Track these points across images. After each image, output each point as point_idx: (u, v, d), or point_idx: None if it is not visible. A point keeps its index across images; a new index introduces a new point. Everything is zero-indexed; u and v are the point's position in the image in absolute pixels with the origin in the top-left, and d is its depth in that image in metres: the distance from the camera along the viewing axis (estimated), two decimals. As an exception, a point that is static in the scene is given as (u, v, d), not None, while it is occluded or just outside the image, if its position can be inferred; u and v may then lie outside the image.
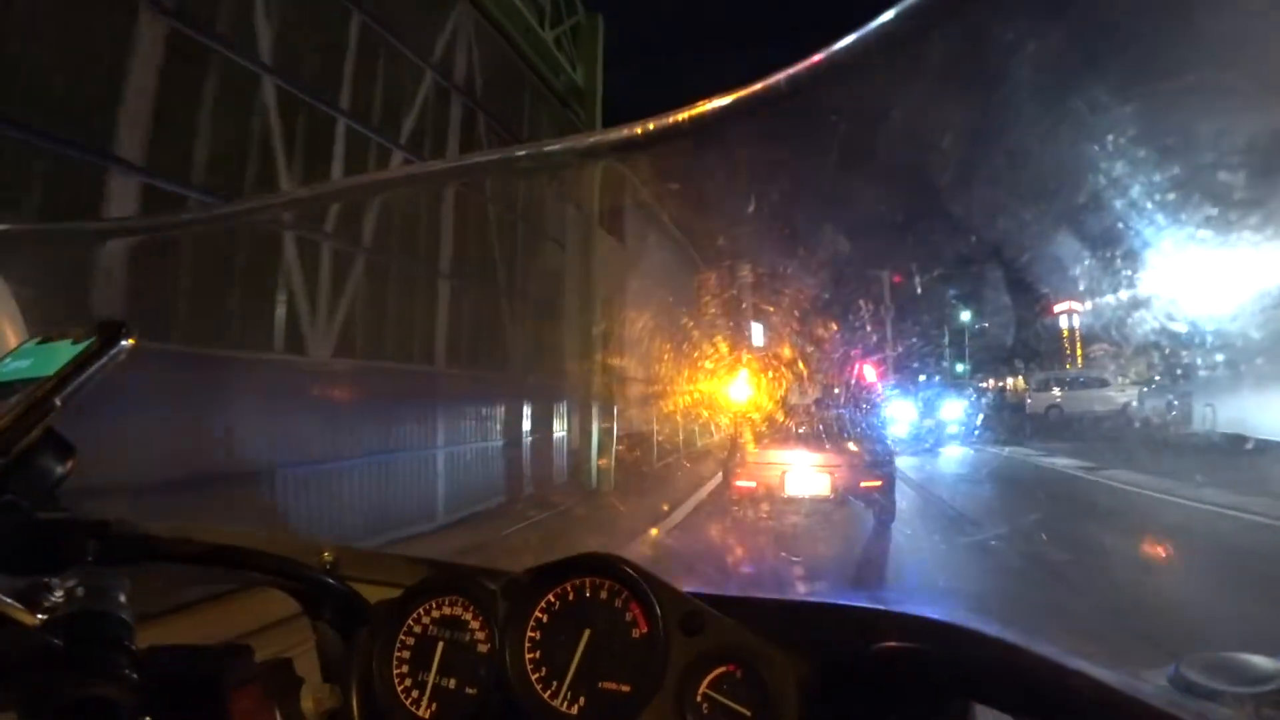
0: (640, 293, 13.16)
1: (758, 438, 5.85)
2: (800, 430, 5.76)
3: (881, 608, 0.73)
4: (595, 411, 10.24)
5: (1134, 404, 12.91)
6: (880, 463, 5.34)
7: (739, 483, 5.63)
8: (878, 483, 5.16)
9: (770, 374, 6.69)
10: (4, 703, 0.48)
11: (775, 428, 5.93)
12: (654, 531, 6.09)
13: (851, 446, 5.47)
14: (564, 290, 10.35)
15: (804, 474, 5.25)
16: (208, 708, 0.67)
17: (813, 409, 6.13)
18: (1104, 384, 14.56)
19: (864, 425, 5.88)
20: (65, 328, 0.52)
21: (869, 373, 6.71)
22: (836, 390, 6.31)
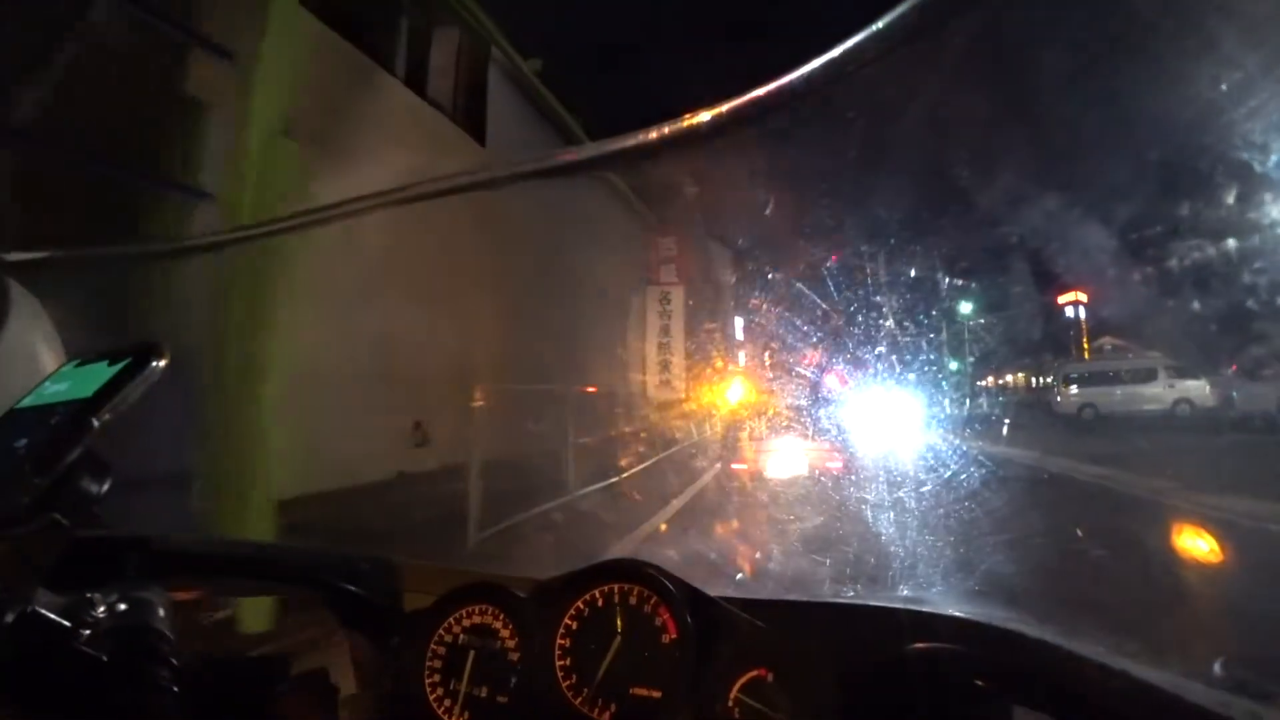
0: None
1: (749, 433, 7.91)
2: (780, 425, 7.55)
3: (917, 609, 0.72)
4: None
5: (1188, 401, 10.60)
6: (840, 450, 6.77)
7: (734, 466, 7.70)
8: (839, 464, 6.67)
9: (755, 384, 9.08)
10: (51, 717, 0.49)
11: (762, 425, 7.81)
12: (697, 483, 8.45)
13: (819, 439, 7.04)
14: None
15: (783, 459, 7.07)
16: (247, 718, 0.68)
17: (789, 411, 7.76)
18: (1149, 377, 12.24)
19: (830, 423, 7.37)
20: (101, 349, 0.53)
21: (833, 381, 8.44)
22: (807, 398, 7.98)
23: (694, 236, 18.46)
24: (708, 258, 22.14)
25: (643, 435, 11.88)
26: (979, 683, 0.67)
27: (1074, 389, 14.29)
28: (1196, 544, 4.35)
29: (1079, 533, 4.77)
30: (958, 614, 0.70)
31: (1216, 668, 0.55)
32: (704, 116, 0.42)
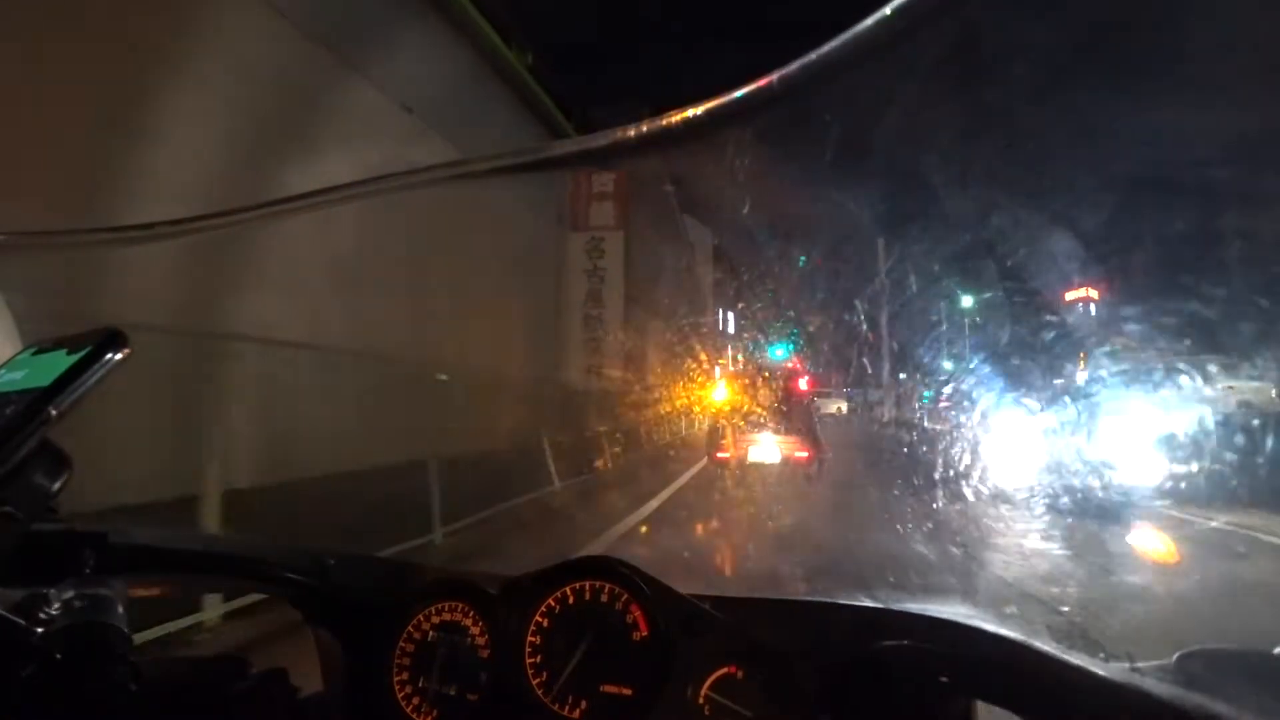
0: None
1: (732, 426, 8.83)
2: (759, 421, 8.69)
3: (882, 606, 0.73)
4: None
5: (1248, 404, 7.62)
6: (811, 445, 8.20)
7: (719, 454, 8.76)
8: (806, 454, 8.02)
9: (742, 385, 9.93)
10: (4, 714, 0.48)
11: (743, 420, 8.83)
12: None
13: (790, 433, 8.38)
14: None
15: (761, 449, 8.28)
16: (206, 718, 0.67)
17: (767, 410, 8.93)
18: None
19: (800, 421, 8.71)
20: (60, 337, 0.52)
21: (802, 384, 10.19)
22: (781, 400, 9.14)
23: (648, 183, 14.29)
24: (668, 211, 17.61)
25: (537, 457, 7.69)
26: (943, 679, 0.68)
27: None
28: None
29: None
30: (923, 612, 0.71)
31: (1173, 661, 0.57)
32: (679, 116, 0.42)
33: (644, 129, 0.44)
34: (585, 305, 12.54)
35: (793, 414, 8.73)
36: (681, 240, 20.65)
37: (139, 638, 0.58)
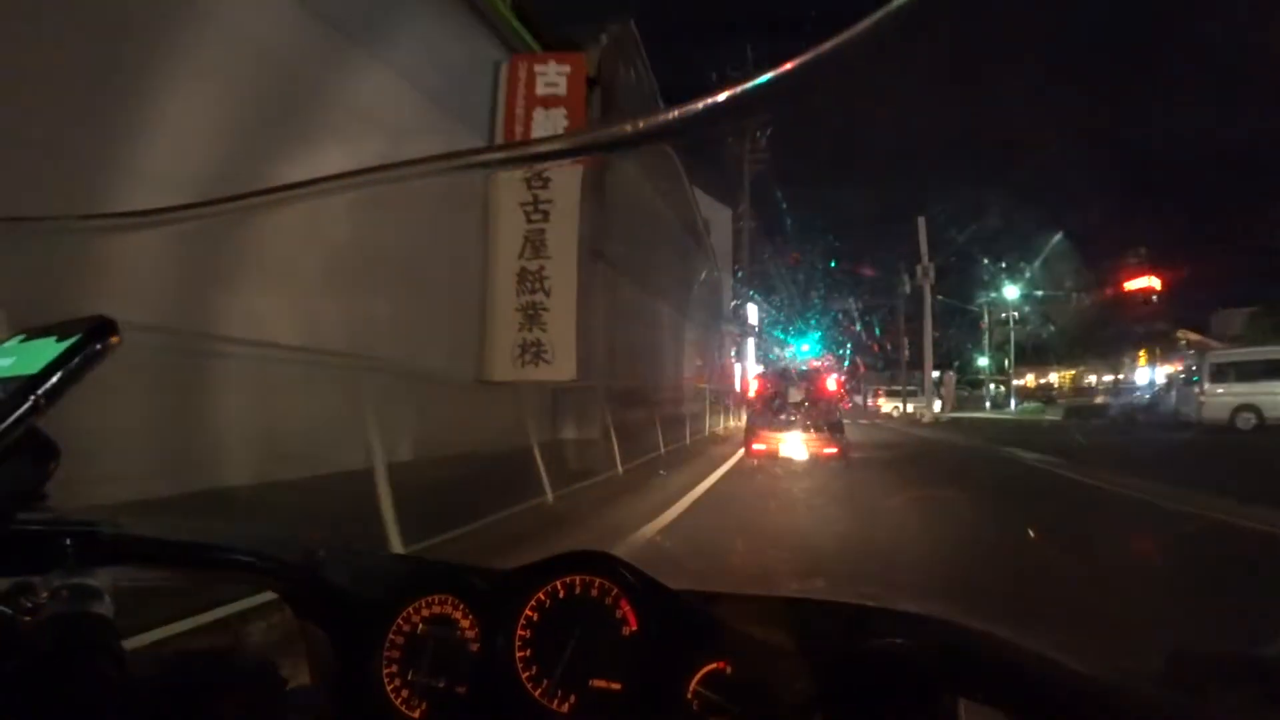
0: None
1: (766, 423, 9.80)
2: (790, 418, 9.64)
3: (870, 604, 0.74)
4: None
5: None
6: (837, 440, 9.12)
7: (754, 446, 9.70)
8: (836, 449, 9.02)
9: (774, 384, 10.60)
10: None
11: (777, 416, 9.78)
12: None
13: (820, 429, 9.32)
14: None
15: (791, 443, 9.27)
16: (192, 711, 0.66)
17: (798, 407, 9.85)
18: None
19: (828, 418, 9.55)
20: (50, 324, 0.51)
21: (830, 384, 10.62)
22: (810, 400, 10.00)
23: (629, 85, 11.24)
24: (672, 172, 14.71)
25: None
26: (930, 677, 0.69)
27: (1220, 387, 10.37)
28: None
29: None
30: (911, 610, 0.71)
31: (1161, 662, 0.57)
32: (675, 113, 0.41)
33: (640, 124, 0.44)
34: (521, 257, 8.13)
35: (821, 413, 9.59)
36: (689, 208, 17.52)
37: (147, 638, 0.58)
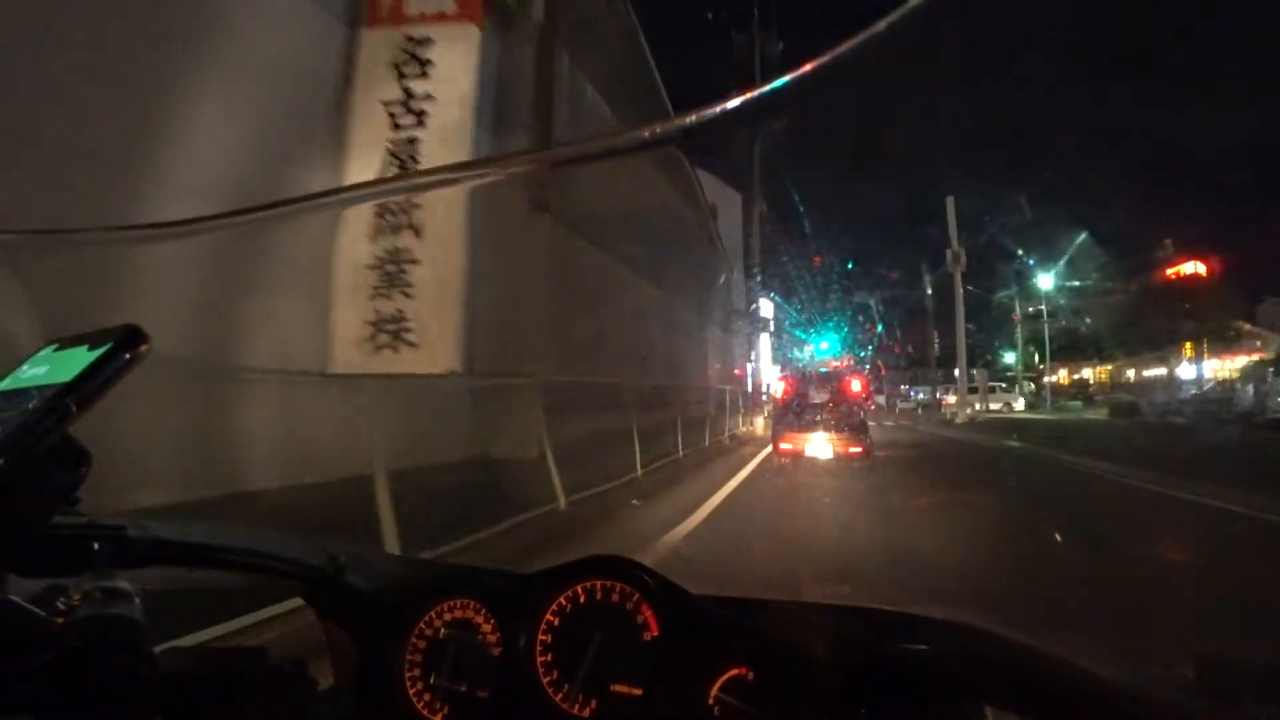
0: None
1: (792, 422, 10.21)
2: (816, 419, 9.97)
3: (893, 609, 0.73)
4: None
5: None
6: (862, 440, 9.49)
7: (782, 445, 10.11)
8: (860, 449, 9.38)
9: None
10: (21, 704, 0.49)
11: (802, 416, 10.17)
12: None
13: (845, 429, 9.69)
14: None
15: (818, 443, 9.59)
16: (221, 710, 0.68)
17: (823, 408, 10.18)
18: None
19: (852, 418, 9.88)
20: (82, 333, 0.53)
21: (855, 386, 10.90)
22: (835, 401, 10.27)
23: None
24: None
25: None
26: (953, 683, 0.68)
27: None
28: None
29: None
30: (934, 615, 0.70)
31: (1189, 670, 0.56)
32: (692, 117, 0.41)
33: (657, 129, 0.44)
34: (381, 172, 4.44)
35: (845, 414, 9.95)
36: (688, 178, 14.09)
37: (187, 640, 0.58)
